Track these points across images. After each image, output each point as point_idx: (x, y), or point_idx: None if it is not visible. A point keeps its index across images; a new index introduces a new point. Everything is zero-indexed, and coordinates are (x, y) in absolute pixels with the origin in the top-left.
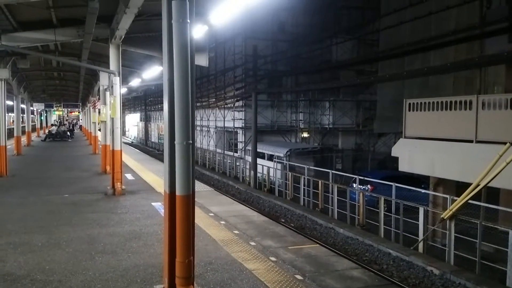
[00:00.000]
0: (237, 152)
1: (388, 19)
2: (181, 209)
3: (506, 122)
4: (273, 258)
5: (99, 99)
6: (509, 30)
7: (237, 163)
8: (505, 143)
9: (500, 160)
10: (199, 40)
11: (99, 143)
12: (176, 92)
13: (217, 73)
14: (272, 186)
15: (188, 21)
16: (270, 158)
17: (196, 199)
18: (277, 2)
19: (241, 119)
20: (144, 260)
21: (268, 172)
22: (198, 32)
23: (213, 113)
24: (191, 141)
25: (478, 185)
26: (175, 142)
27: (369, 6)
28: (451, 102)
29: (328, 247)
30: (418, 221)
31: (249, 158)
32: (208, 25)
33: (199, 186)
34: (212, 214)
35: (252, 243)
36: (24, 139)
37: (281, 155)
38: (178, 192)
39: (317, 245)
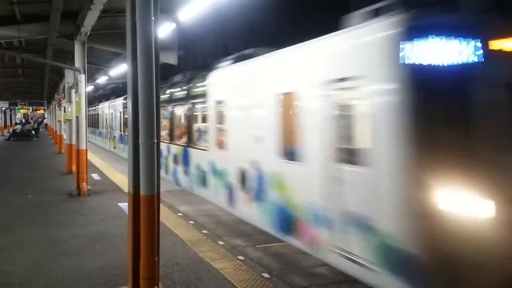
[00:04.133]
0: None
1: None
2: (146, 210)
3: None
4: (241, 257)
5: (64, 97)
6: None
7: None
8: None
9: None
10: (167, 38)
11: (64, 142)
12: (140, 91)
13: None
14: None
15: (153, 18)
16: None
17: (165, 199)
18: (247, 1)
19: None
20: (109, 261)
21: None
22: (165, 29)
23: None
24: (156, 140)
25: None
26: (139, 141)
27: (341, 6)
28: None
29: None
30: None
31: None
32: (176, 22)
33: (170, 186)
34: (180, 214)
35: (221, 243)
36: None
37: None
38: (142, 192)
39: (286, 243)
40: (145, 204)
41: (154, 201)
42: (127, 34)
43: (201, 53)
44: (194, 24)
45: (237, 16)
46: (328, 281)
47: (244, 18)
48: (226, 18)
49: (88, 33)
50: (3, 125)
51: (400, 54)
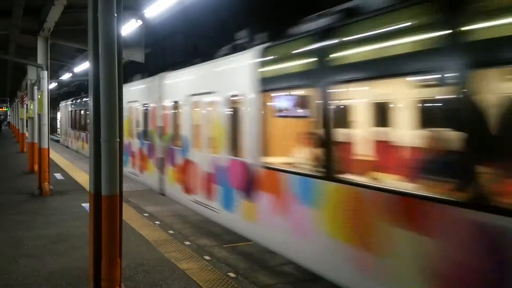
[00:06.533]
0: None
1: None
2: (107, 210)
3: None
4: (207, 257)
5: (27, 94)
6: None
7: None
8: None
9: None
10: (133, 36)
11: (26, 140)
12: (102, 88)
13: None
14: None
15: (116, 14)
16: None
17: (131, 199)
18: (217, 2)
19: None
20: (71, 263)
21: None
22: (131, 27)
23: None
24: (118, 139)
25: None
26: (101, 140)
27: (309, 8)
28: None
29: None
30: None
31: None
32: (143, 20)
33: (136, 186)
34: (147, 215)
35: (187, 243)
36: None
37: None
38: (104, 192)
39: (253, 242)
40: (107, 204)
41: (116, 201)
42: (89, 31)
43: (171, 51)
44: (163, 22)
45: (208, 15)
46: (293, 279)
47: (214, 17)
48: (196, 17)
49: (52, 29)
50: None
51: None
